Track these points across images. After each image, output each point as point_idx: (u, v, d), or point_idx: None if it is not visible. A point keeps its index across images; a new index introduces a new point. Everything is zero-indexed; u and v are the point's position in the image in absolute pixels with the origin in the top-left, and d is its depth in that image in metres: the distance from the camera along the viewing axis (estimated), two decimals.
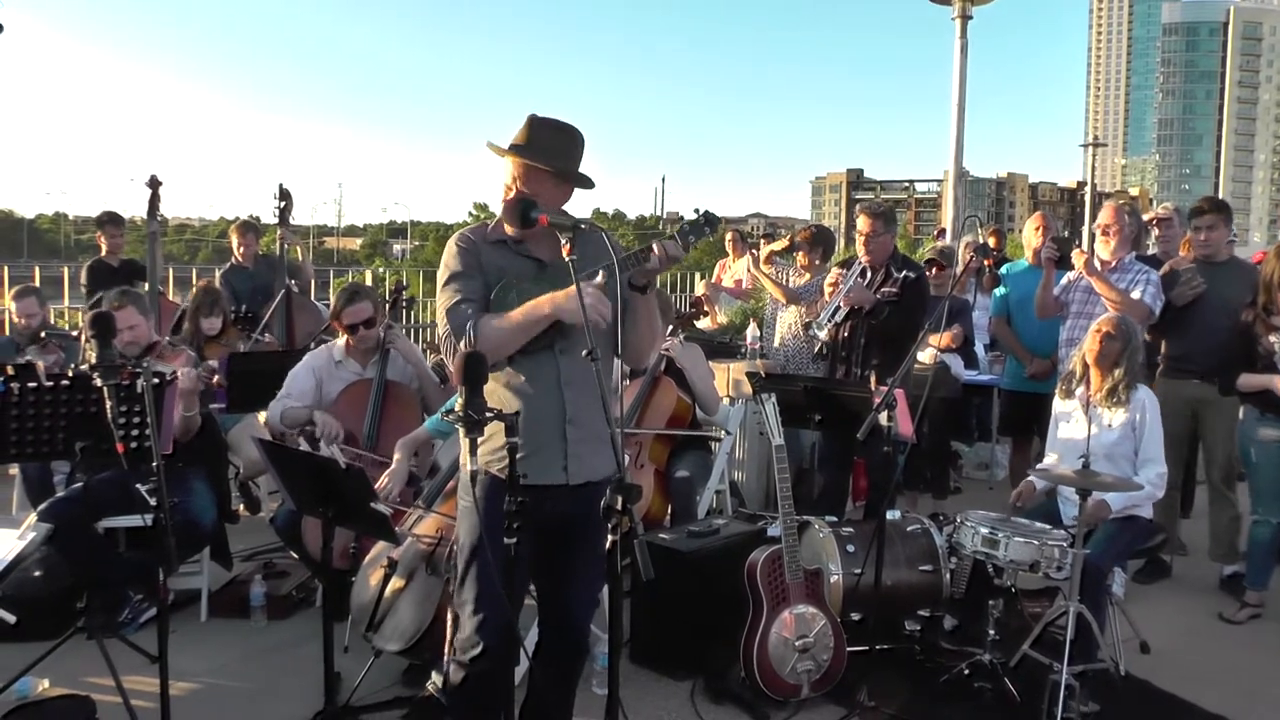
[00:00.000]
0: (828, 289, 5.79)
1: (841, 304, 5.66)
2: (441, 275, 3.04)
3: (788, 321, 6.85)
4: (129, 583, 4.92)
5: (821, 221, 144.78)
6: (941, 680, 4.24)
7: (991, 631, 4.28)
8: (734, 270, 10.25)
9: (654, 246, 2.88)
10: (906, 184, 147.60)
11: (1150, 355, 5.80)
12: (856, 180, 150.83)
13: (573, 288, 2.70)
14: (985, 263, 5.57)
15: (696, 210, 3.06)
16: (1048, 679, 3.96)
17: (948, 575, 4.59)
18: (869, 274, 5.75)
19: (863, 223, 5.86)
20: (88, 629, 4.37)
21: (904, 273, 5.68)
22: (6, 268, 10.63)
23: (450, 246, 3.07)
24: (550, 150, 2.98)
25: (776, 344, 6.89)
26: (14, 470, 5.61)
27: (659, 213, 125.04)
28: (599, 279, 2.82)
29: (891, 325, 5.50)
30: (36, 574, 4.77)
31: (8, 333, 6.90)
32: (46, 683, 4.25)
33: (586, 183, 3.09)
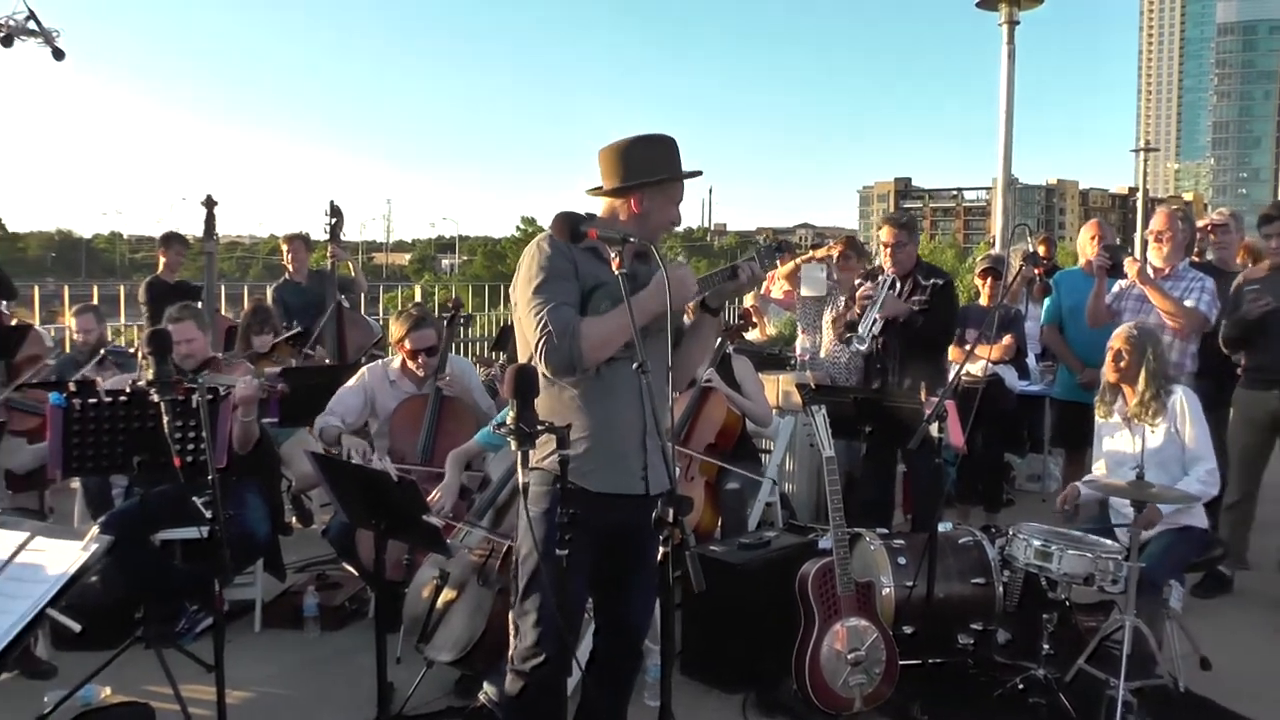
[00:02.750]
0: (862, 300, 5.77)
1: (878, 317, 5.65)
2: (533, 277, 2.96)
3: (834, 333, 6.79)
4: (185, 594, 5.00)
5: (870, 231, 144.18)
6: (995, 695, 4.19)
7: (1046, 646, 4.21)
8: (783, 282, 10.22)
9: (739, 268, 2.92)
10: (954, 192, 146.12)
11: (1228, 364, 5.74)
12: (904, 189, 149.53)
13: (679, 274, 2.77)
14: (1036, 271, 5.53)
15: (769, 236, 3.10)
16: (1104, 694, 3.91)
17: (1000, 588, 4.54)
18: (897, 285, 5.75)
19: (886, 233, 5.87)
20: (146, 639, 4.45)
21: (932, 280, 5.70)
22: (67, 287, 10.85)
23: (543, 247, 3.00)
24: (609, 178, 3.07)
25: (823, 354, 6.87)
26: (75, 484, 5.72)
27: (706, 224, 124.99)
28: (681, 258, 2.84)
29: (926, 332, 5.53)
30: (95, 584, 4.87)
31: (68, 350, 7.04)
32: (108, 690, 4.33)
33: (691, 174, 3.14)
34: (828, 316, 6.86)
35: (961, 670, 4.44)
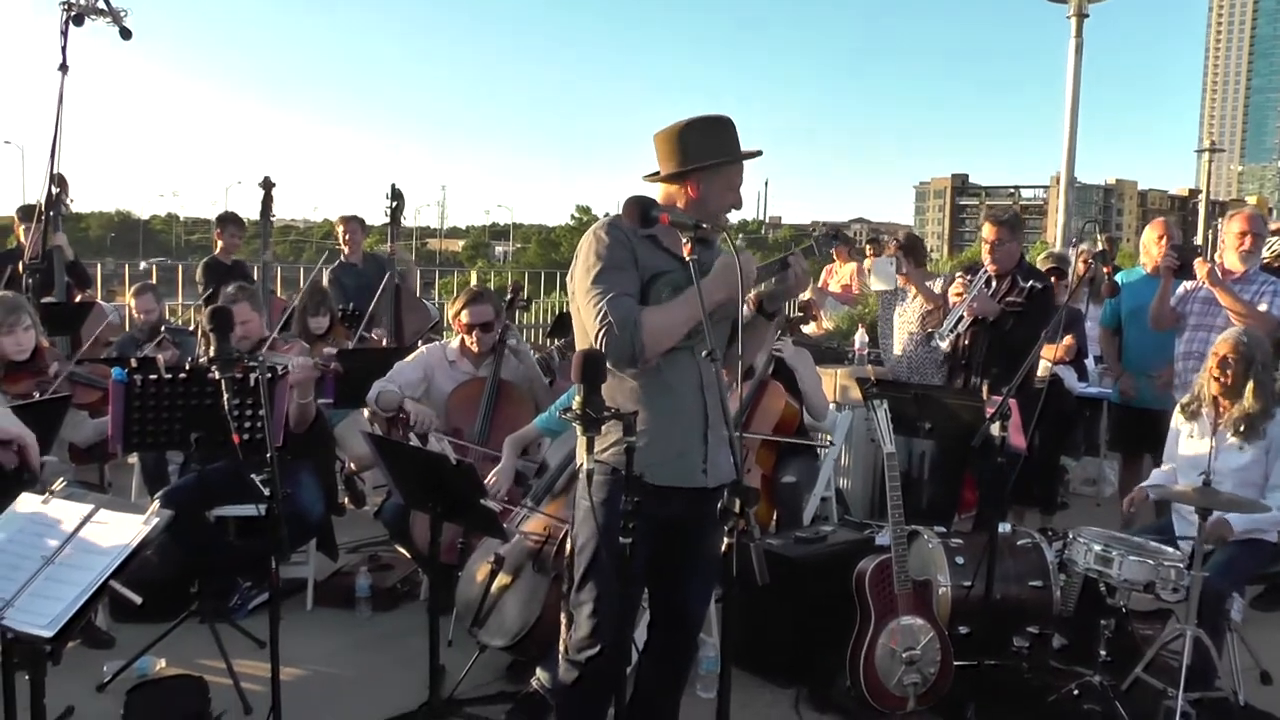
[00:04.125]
0: (952, 297, 5.69)
1: (965, 313, 5.55)
2: (591, 266, 2.93)
3: (908, 329, 6.73)
4: (239, 570, 5.05)
5: (925, 228, 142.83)
6: (1050, 700, 4.12)
7: (1103, 652, 4.13)
8: (840, 275, 10.15)
9: (789, 260, 2.89)
10: (1012, 190, 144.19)
11: None
12: (961, 186, 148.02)
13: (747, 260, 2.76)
14: (1105, 271, 5.44)
15: (823, 225, 3.07)
16: (1161, 705, 3.83)
17: (1058, 592, 4.48)
18: (993, 283, 5.62)
19: (988, 230, 5.73)
20: (201, 613, 4.52)
21: (1030, 283, 5.51)
22: (126, 266, 11.00)
23: (601, 236, 2.97)
24: (666, 163, 3.02)
25: (898, 352, 6.79)
26: (133, 459, 5.80)
27: (762, 217, 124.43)
28: (740, 242, 2.82)
29: (1015, 336, 5.31)
30: (152, 558, 4.93)
31: (128, 329, 7.14)
32: (163, 662, 4.40)
33: (749, 154, 3.09)
34: (897, 316, 6.84)
35: (1016, 673, 4.37)
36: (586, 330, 2.94)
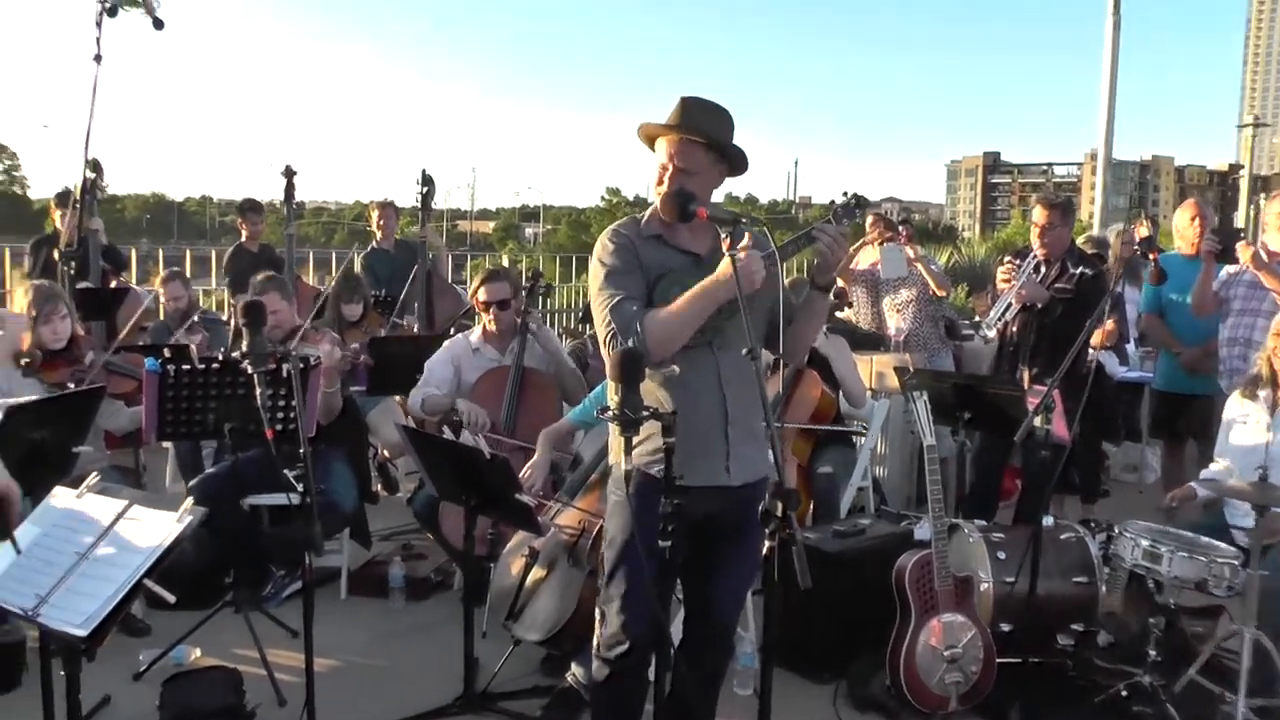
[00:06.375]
0: (1001, 283, 5.56)
1: (1014, 300, 5.41)
2: (597, 273, 2.95)
3: (897, 304, 7.07)
4: (272, 558, 5.05)
5: (957, 206, 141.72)
6: (1097, 700, 4.02)
7: (1153, 652, 3.99)
8: (871, 253, 10.01)
9: (814, 233, 2.82)
10: (1044, 167, 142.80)
11: None
12: (993, 164, 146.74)
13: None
14: (1152, 257, 5.30)
15: (845, 193, 2.98)
16: (1218, 710, 3.72)
17: (1103, 588, 4.37)
18: (1042, 268, 5.48)
19: (1039, 213, 5.57)
20: (235, 603, 4.51)
21: (1080, 269, 5.37)
22: (161, 249, 11.05)
23: (605, 243, 2.98)
24: (704, 126, 2.91)
25: (892, 331, 6.90)
26: (168, 445, 5.80)
27: (792, 197, 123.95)
28: (745, 240, 2.73)
29: (1064, 324, 5.15)
30: (187, 547, 4.92)
31: (161, 316, 7.16)
32: (198, 652, 4.41)
33: (741, 159, 3.00)
34: (887, 301, 7.04)
35: (1061, 672, 4.26)
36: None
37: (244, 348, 3.46)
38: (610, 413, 2.52)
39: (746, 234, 2.77)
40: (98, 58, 5.74)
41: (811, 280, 3.00)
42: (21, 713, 3.20)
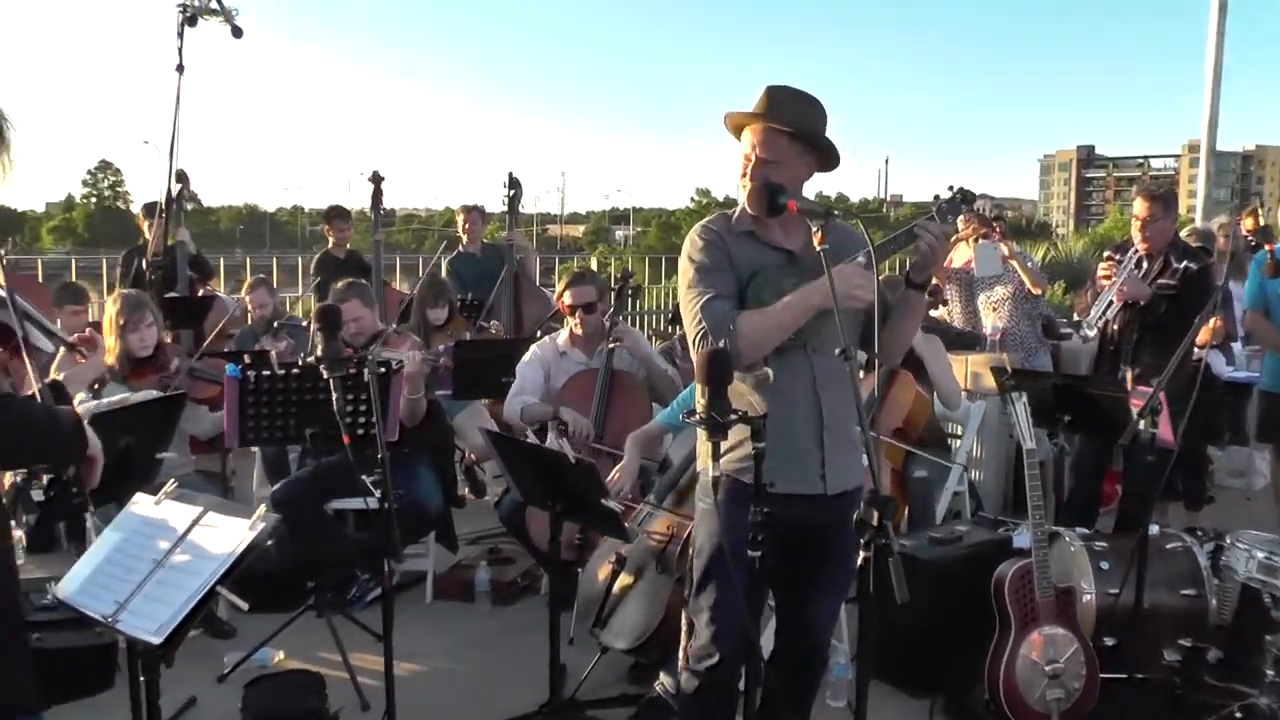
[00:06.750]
0: (1101, 280, 5.35)
1: (1114, 298, 5.20)
2: (686, 270, 2.86)
3: (992, 302, 6.89)
4: (356, 562, 5.06)
5: (1050, 202, 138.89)
6: None
7: (1270, 672, 3.75)
8: (966, 250, 9.79)
9: (915, 230, 2.69)
10: (1140, 160, 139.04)
11: None
12: (1087, 158, 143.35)
13: (844, 270, 2.55)
14: (1268, 249, 5.06)
15: (950, 188, 2.85)
16: None
17: (1213, 601, 4.15)
18: (1144, 263, 5.25)
19: (1140, 206, 5.31)
20: (318, 606, 4.52)
21: (1185, 263, 5.13)
22: (249, 258, 11.26)
23: (694, 239, 2.89)
24: (791, 114, 2.81)
25: (988, 330, 6.75)
26: (256, 449, 5.86)
27: (883, 195, 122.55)
28: (860, 260, 2.62)
29: (1168, 322, 4.94)
30: (271, 549, 4.95)
31: (249, 322, 7.26)
32: (282, 654, 4.44)
33: (831, 153, 2.89)
34: (982, 299, 6.86)
35: (1168, 690, 4.04)
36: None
37: (319, 353, 3.45)
38: (696, 416, 2.42)
39: (861, 256, 2.67)
40: (180, 68, 5.84)
41: (907, 278, 2.88)
42: (116, 712, 3.25)
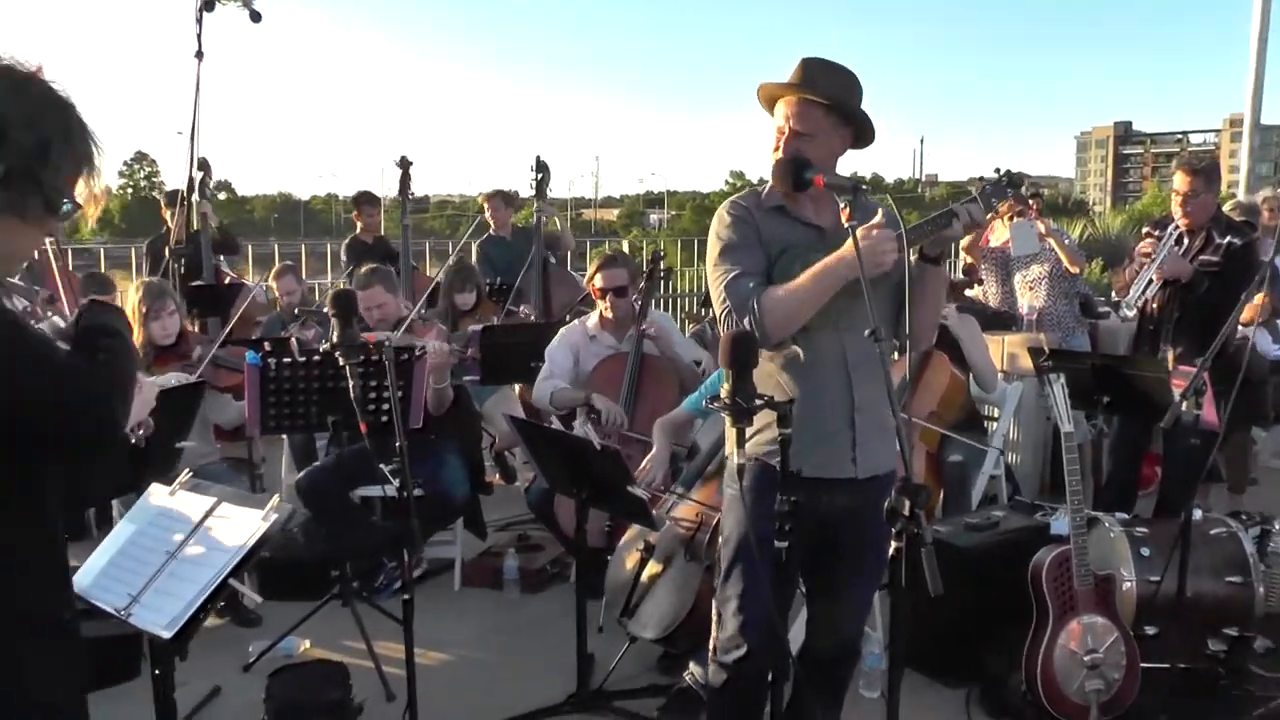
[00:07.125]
0: (1140, 257, 5.21)
1: (1154, 276, 5.04)
2: (714, 247, 2.78)
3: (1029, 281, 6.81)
4: (383, 549, 5.02)
5: (1087, 179, 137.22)
6: (1256, 714, 3.70)
7: None
8: (1002, 231, 9.64)
9: (956, 211, 2.59)
10: (1179, 136, 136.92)
11: None
12: (1125, 134, 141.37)
13: (869, 235, 2.48)
14: None
15: (997, 170, 2.74)
16: None
17: (1260, 588, 4.03)
18: (1185, 240, 5.10)
19: (1180, 180, 5.13)
20: (342, 595, 4.49)
21: (1228, 239, 4.97)
22: (278, 245, 11.27)
23: (722, 215, 2.81)
24: (826, 85, 2.72)
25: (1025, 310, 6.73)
26: (283, 436, 5.84)
27: (918, 175, 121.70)
28: (879, 217, 2.53)
29: (1211, 300, 4.79)
30: (297, 536, 4.96)
31: (277, 310, 7.24)
32: (308, 643, 4.41)
33: (866, 127, 2.79)
34: (1019, 278, 6.76)
35: (1212, 681, 3.93)
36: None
37: (334, 339, 3.40)
38: (720, 402, 2.34)
39: (880, 211, 2.58)
40: (199, 54, 5.79)
41: (921, 252, 2.76)
42: (140, 701, 3.23)
